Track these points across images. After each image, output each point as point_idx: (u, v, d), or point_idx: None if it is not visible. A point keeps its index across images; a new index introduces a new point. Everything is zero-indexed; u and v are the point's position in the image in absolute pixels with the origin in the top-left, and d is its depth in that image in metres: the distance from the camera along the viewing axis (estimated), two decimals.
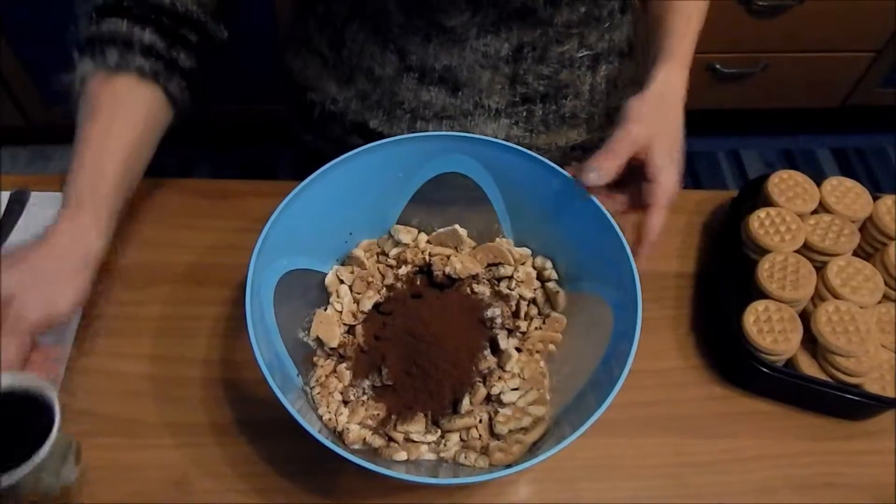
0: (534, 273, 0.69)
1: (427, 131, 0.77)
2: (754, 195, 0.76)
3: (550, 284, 0.67)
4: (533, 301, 0.68)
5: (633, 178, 0.63)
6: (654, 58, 0.68)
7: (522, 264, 0.69)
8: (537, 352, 0.65)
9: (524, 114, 0.77)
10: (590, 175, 0.61)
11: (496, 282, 0.68)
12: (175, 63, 0.65)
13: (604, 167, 0.61)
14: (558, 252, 0.68)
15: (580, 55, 0.74)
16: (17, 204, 0.76)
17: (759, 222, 0.72)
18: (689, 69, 0.68)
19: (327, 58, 0.77)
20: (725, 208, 0.79)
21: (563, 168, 0.63)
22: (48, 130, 1.82)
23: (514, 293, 0.67)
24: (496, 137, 0.77)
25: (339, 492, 0.62)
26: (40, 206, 0.76)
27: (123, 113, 0.63)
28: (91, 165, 0.61)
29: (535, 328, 0.66)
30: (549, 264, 0.68)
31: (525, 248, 0.70)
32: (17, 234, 0.74)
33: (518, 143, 0.76)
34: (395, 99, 0.75)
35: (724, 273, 0.71)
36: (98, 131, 0.62)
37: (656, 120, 0.63)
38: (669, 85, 0.66)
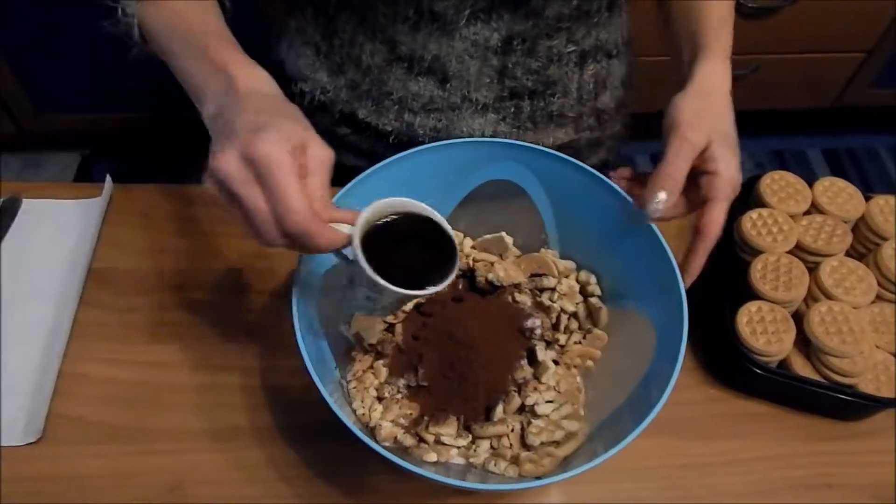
0: (577, 287, 0.68)
1: (414, 123, 0.77)
2: (746, 196, 0.76)
3: (593, 300, 0.67)
4: (574, 315, 0.67)
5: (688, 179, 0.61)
6: (690, 55, 0.67)
7: (566, 277, 0.69)
8: (575, 366, 0.64)
9: (512, 109, 0.77)
10: (658, 201, 0.59)
11: (538, 292, 0.68)
12: None
13: (669, 187, 0.59)
14: (604, 268, 0.68)
15: (568, 51, 0.74)
16: (9, 211, 0.75)
17: (752, 223, 0.72)
18: (729, 60, 0.66)
19: (320, 47, 0.78)
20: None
21: (618, 185, 0.63)
22: (39, 138, 1.81)
23: (555, 305, 0.67)
24: (483, 132, 0.77)
25: (358, 494, 0.63)
26: (32, 213, 0.76)
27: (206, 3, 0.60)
28: (212, 32, 0.56)
29: (575, 342, 0.66)
30: (593, 279, 0.68)
31: (570, 261, 0.70)
32: (9, 242, 0.74)
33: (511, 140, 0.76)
34: (383, 89, 0.76)
35: (717, 274, 0.71)
36: (195, 11, 0.58)
37: (707, 117, 0.61)
38: (712, 78, 0.64)
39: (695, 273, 0.61)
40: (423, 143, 0.77)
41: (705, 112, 0.61)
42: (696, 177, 0.61)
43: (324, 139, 0.85)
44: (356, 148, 0.82)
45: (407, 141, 0.79)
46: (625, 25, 0.80)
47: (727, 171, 0.59)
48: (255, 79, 0.53)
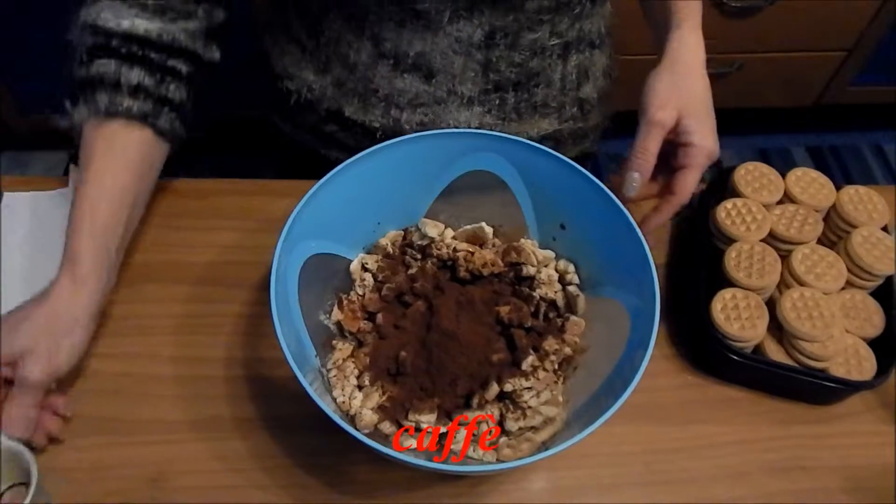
0: (556, 275, 0.69)
1: (401, 119, 0.78)
2: (722, 187, 0.78)
3: (571, 288, 0.68)
4: (553, 303, 0.68)
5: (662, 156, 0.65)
6: (662, 29, 0.70)
7: (545, 266, 0.70)
8: (553, 353, 0.65)
9: (497, 101, 0.78)
10: (632, 181, 0.64)
11: (518, 281, 0.69)
12: (165, 99, 0.66)
13: (641, 167, 0.63)
14: (581, 257, 0.69)
15: (551, 43, 0.75)
16: None
17: (726, 213, 0.73)
18: (700, 30, 0.69)
19: (305, 45, 0.78)
20: (694, 200, 0.80)
21: (590, 172, 0.64)
22: (25, 138, 1.81)
23: (535, 294, 0.68)
24: (469, 125, 0.78)
25: (339, 483, 0.63)
26: (13, 207, 0.76)
27: (115, 158, 0.64)
28: (87, 215, 0.62)
29: (554, 330, 0.66)
30: (571, 268, 0.69)
31: (549, 251, 0.71)
32: None
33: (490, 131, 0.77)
34: (369, 86, 0.76)
35: (694, 263, 0.73)
36: (93, 179, 0.63)
37: (678, 92, 0.64)
38: (684, 50, 0.67)
39: (653, 227, 0.66)
40: None
41: (675, 86, 0.65)
42: (675, 148, 0.65)
43: (310, 137, 0.87)
44: (343, 144, 0.83)
45: (394, 136, 0.79)
46: (607, 15, 0.81)
47: (701, 142, 0.64)
48: (60, 287, 0.61)
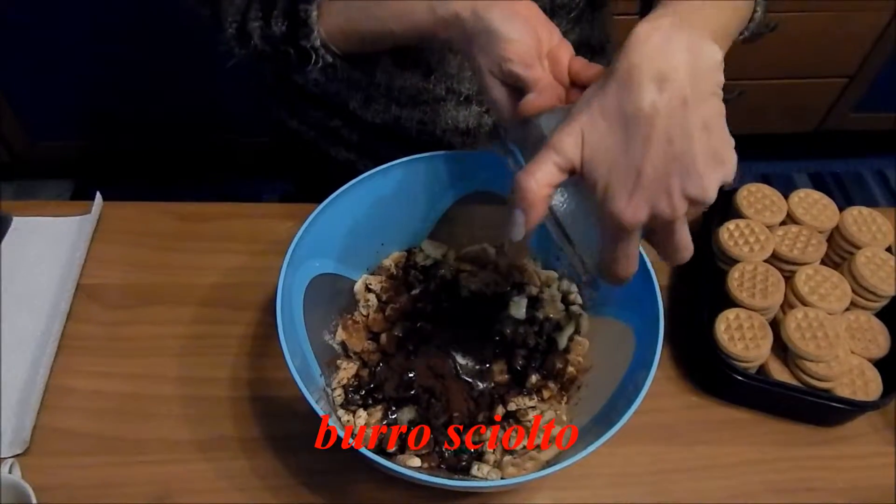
0: (559, 295, 0.70)
1: (401, 116, 0.79)
2: (725, 208, 0.78)
3: (575, 308, 0.69)
4: (557, 323, 0.68)
5: None
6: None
7: (548, 286, 0.70)
8: (557, 373, 0.66)
9: None
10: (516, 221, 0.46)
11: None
12: None
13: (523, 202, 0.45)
14: None
15: None
16: None
17: (729, 234, 0.73)
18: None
19: None
20: (697, 221, 0.81)
21: None
22: (33, 165, 1.83)
23: (538, 314, 0.68)
24: (467, 124, 0.78)
25: (343, 502, 0.63)
26: (23, 231, 0.77)
27: None
28: None
29: (557, 349, 0.67)
30: (574, 288, 0.70)
31: (552, 271, 0.71)
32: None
33: (489, 131, 0.76)
34: (373, 81, 0.77)
35: (697, 283, 0.73)
36: None
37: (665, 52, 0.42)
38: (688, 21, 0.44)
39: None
40: (410, 134, 0.78)
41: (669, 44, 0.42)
42: None
43: (315, 132, 0.87)
44: (347, 141, 0.84)
45: (396, 133, 0.80)
46: (609, 21, 0.82)
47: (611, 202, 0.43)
48: None
